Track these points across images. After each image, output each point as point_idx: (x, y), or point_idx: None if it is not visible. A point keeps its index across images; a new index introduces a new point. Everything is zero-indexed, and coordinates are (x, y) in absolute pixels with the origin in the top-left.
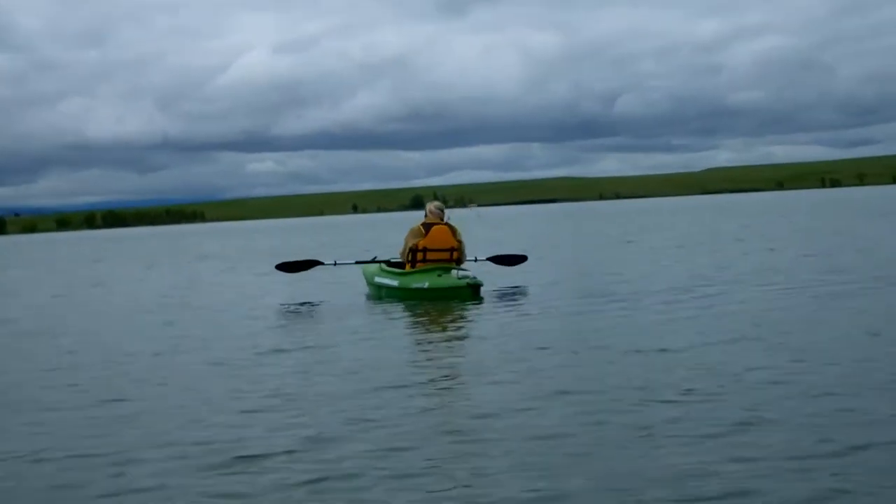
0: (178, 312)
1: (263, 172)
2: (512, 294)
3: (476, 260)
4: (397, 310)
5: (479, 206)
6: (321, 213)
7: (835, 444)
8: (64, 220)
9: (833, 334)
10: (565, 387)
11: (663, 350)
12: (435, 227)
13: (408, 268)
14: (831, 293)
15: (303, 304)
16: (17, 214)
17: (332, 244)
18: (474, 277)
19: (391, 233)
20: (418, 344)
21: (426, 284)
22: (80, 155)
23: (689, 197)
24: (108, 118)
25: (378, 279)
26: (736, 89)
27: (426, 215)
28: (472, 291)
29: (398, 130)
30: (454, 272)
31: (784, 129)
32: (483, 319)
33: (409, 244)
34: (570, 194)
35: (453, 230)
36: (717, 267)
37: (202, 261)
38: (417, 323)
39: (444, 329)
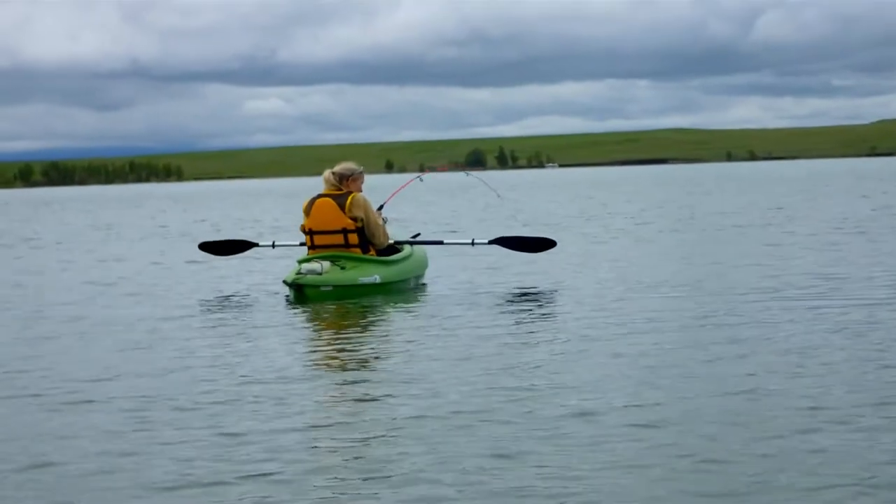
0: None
1: (266, 114)
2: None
3: (473, 244)
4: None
5: (560, 165)
6: None
7: None
8: None
9: None
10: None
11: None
12: (317, 202)
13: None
14: None
15: (222, 300)
16: None
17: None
18: (313, 271)
19: (440, 200)
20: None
21: (290, 279)
22: (15, 84)
23: (853, 159)
24: (55, 33)
25: None
26: None
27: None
28: (294, 292)
29: (454, 59)
30: (307, 266)
31: None
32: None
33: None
34: (686, 152)
35: (344, 204)
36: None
37: (145, 239)
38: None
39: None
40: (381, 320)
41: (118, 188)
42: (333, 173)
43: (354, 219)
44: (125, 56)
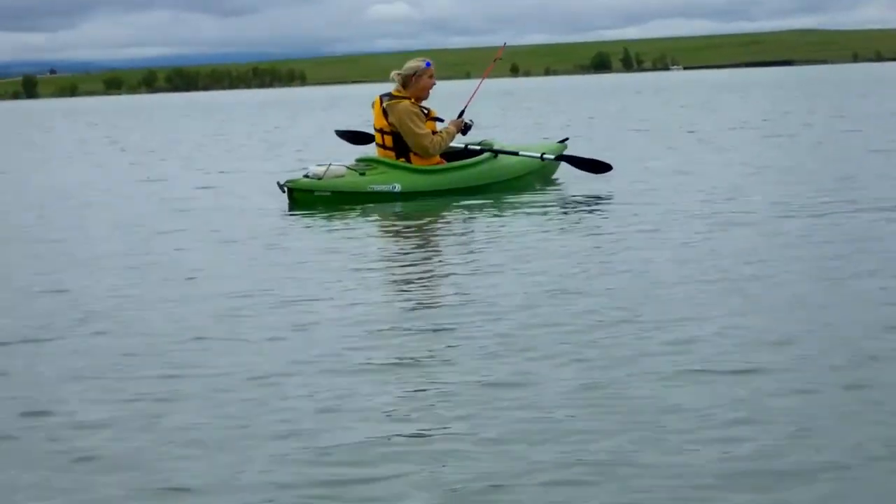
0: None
1: (391, 19)
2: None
3: (543, 158)
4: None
5: (685, 68)
6: (468, 76)
7: None
8: (114, 80)
9: None
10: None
11: None
12: (374, 102)
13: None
14: None
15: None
16: (52, 71)
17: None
18: (316, 175)
19: (563, 104)
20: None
21: (283, 182)
22: None
23: None
24: None
25: None
26: None
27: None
28: (287, 197)
29: None
30: (312, 168)
31: None
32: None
33: None
34: (811, 53)
35: (387, 108)
36: None
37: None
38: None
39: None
40: (406, 232)
41: (241, 93)
42: (398, 74)
43: (391, 124)
44: None
